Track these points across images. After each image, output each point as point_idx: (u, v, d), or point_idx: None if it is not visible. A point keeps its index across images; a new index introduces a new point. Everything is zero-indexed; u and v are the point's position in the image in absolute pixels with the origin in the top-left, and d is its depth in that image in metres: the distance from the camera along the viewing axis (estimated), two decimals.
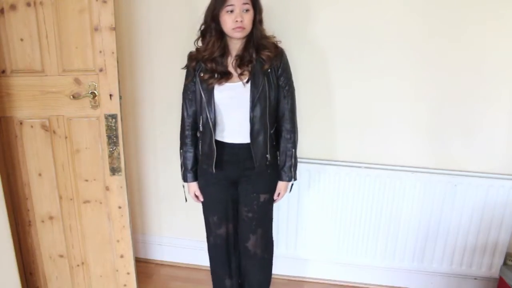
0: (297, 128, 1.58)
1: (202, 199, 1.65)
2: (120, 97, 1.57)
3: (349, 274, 2.08)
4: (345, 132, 1.88)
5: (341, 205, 1.93)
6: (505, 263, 1.91)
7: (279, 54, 1.48)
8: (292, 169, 1.58)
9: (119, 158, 1.61)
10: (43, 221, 1.70)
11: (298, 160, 1.86)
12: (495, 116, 1.75)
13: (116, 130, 1.58)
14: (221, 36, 1.43)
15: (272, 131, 1.53)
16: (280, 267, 2.13)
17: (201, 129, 1.53)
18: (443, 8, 1.64)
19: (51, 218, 1.70)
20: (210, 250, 1.73)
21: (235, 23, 1.36)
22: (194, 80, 1.49)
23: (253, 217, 1.60)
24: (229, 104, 1.48)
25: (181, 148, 1.61)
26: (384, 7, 1.67)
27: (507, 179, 1.79)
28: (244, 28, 1.39)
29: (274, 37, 1.51)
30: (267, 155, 1.52)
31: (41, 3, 1.44)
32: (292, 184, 1.64)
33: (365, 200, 1.90)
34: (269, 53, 1.44)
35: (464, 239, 1.89)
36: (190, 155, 1.59)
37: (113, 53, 1.49)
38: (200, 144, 1.56)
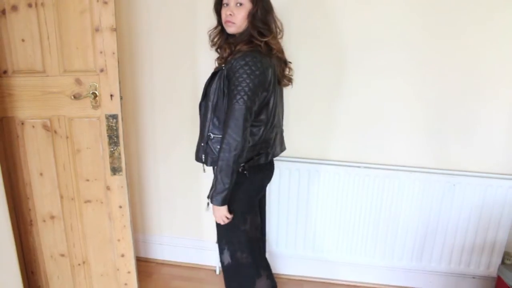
0: (227, 146, 1.30)
1: None
2: (121, 97, 1.58)
3: (348, 273, 2.09)
4: (344, 132, 1.89)
5: (340, 204, 1.94)
6: (503, 262, 1.92)
7: (236, 57, 1.30)
8: (211, 187, 1.38)
9: (119, 158, 1.61)
10: (44, 221, 1.71)
11: (297, 160, 1.89)
12: (494, 116, 1.77)
13: (116, 130, 1.58)
14: (222, 28, 1.41)
15: (212, 134, 1.39)
16: (280, 266, 2.14)
17: None
18: (441, 9, 1.65)
19: (52, 217, 1.71)
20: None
21: (226, 16, 1.34)
22: None
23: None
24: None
25: None
26: (384, 8, 1.68)
27: (505, 179, 1.80)
28: (234, 23, 1.33)
29: (282, 49, 1.41)
30: (202, 155, 1.43)
31: (42, 4, 1.45)
32: (208, 203, 1.43)
33: (364, 200, 1.91)
34: (228, 51, 1.36)
35: (463, 238, 1.90)
36: None
37: (113, 53, 1.50)
38: None
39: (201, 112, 1.45)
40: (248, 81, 1.28)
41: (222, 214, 1.42)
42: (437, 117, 1.80)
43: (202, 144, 1.44)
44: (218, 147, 1.37)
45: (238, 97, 1.29)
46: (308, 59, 1.78)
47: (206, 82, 1.42)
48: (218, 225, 1.50)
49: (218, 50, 1.47)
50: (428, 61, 1.73)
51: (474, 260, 1.93)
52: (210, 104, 1.39)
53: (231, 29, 1.36)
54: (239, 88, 1.28)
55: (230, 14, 1.33)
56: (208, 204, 1.46)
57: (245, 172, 1.41)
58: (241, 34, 1.37)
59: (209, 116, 1.40)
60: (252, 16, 1.33)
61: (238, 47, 1.34)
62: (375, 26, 1.71)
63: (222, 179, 1.34)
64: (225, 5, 1.36)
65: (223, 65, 1.36)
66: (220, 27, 1.43)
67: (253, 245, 1.55)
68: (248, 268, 1.55)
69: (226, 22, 1.35)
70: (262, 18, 1.34)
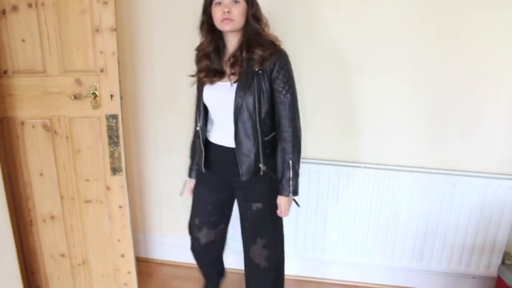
0: (297, 138, 1.42)
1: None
2: (121, 98, 1.58)
3: (348, 273, 2.09)
4: (344, 133, 1.89)
5: (340, 204, 1.94)
6: (503, 262, 1.91)
7: (274, 54, 1.35)
8: (291, 183, 1.43)
9: (119, 158, 1.61)
10: (44, 221, 1.71)
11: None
12: (493, 116, 1.77)
13: (117, 130, 1.58)
14: (212, 30, 1.40)
15: (267, 138, 1.42)
16: None
17: (197, 127, 1.54)
18: (441, 9, 1.65)
19: (52, 217, 1.71)
20: (192, 251, 1.68)
21: (222, 14, 1.32)
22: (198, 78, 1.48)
23: (250, 226, 1.54)
24: (215, 104, 1.45)
25: (191, 144, 1.64)
26: (384, 8, 1.68)
27: (505, 179, 1.80)
28: (232, 20, 1.32)
29: (276, 37, 1.42)
30: (260, 165, 1.42)
31: (42, 4, 1.45)
32: (294, 200, 1.50)
33: (364, 200, 1.91)
34: (261, 52, 1.34)
35: (463, 238, 1.90)
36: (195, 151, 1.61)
37: (114, 53, 1.50)
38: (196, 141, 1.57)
39: (240, 123, 1.38)
40: (292, 74, 1.42)
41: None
42: (437, 117, 1.80)
43: (259, 156, 1.41)
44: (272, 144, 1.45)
45: (291, 90, 1.40)
46: (307, 58, 1.78)
47: (239, 96, 1.36)
48: (268, 220, 1.52)
49: (208, 61, 1.42)
50: (428, 61, 1.73)
51: (474, 260, 1.93)
52: (255, 111, 1.37)
53: (227, 27, 1.34)
54: (291, 81, 1.40)
55: (228, 11, 1.31)
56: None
57: None
58: (249, 33, 1.36)
59: (258, 123, 1.39)
60: (253, 16, 1.35)
61: (267, 47, 1.36)
62: (375, 26, 1.71)
63: (298, 167, 1.44)
64: (217, 4, 1.34)
65: (258, 69, 1.35)
66: (209, 29, 1.40)
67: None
68: (283, 267, 1.65)
69: (224, 20, 1.33)
70: (258, 14, 1.38)
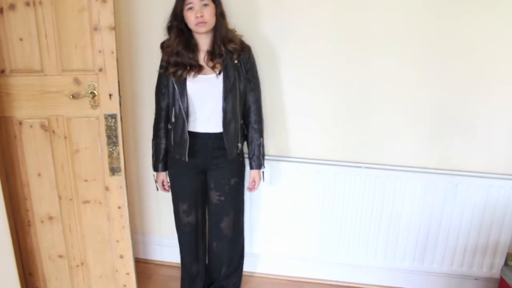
0: (263, 119, 1.70)
1: (168, 189, 1.78)
2: (120, 97, 1.56)
3: (349, 274, 2.08)
4: (345, 132, 1.87)
5: (341, 205, 1.93)
6: (506, 264, 1.90)
7: (246, 49, 1.59)
8: (261, 158, 1.70)
9: (118, 158, 1.60)
10: (42, 221, 1.70)
11: (297, 160, 1.89)
12: (496, 116, 1.75)
13: (115, 130, 1.57)
14: (181, 32, 1.53)
15: (242, 122, 1.65)
16: (280, 267, 2.13)
17: (173, 120, 1.62)
18: (441, 7, 1.63)
19: (50, 218, 1.70)
20: (181, 239, 1.84)
21: (196, 18, 1.46)
22: (166, 73, 1.58)
23: (225, 200, 1.72)
24: (202, 95, 1.57)
25: (154, 139, 1.72)
26: (384, 8, 1.67)
27: (507, 179, 1.79)
28: (206, 22, 1.47)
29: (235, 30, 1.60)
30: (238, 144, 1.64)
31: (40, 2, 1.43)
32: (263, 172, 1.75)
33: (365, 201, 1.90)
34: (235, 46, 1.54)
35: (465, 239, 1.89)
36: (162, 146, 1.70)
37: (112, 52, 1.49)
38: (172, 135, 1.64)
39: (228, 110, 1.56)
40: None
41: None
42: (439, 117, 1.79)
43: (238, 137, 1.62)
44: (247, 129, 1.69)
45: (258, 80, 1.68)
46: (307, 57, 1.77)
47: (227, 85, 1.54)
48: (240, 193, 1.77)
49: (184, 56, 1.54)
50: (430, 60, 1.71)
51: (477, 262, 1.91)
52: (237, 98, 1.57)
53: (203, 29, 1.49)
54: (257, 73, 1.67)
55: (201, 16, 1.46)
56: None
57: None
58: (220, 30, 1.52)
59: (238, 109, 1.59)
60: (220, 14, 1.52)
61: (238, 41, 1.57)
62: (375, 26, 1.70)
63: (264, 145, 1.72)
64: (189, 9, 1.47)
65: (237, 61, 1.55)
66: (177, 32, 1.53)
67: None
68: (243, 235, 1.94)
69: (198, 23, 1.47)
70: (223, 10, 1.55)
